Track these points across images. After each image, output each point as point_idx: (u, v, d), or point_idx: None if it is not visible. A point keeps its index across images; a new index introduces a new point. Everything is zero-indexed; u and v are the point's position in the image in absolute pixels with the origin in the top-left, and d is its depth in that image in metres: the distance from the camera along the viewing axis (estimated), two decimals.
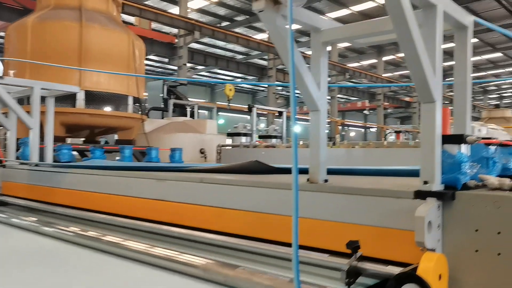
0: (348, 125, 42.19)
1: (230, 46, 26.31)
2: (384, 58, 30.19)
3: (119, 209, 2.66)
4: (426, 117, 1.53)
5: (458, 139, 1.60)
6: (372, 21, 1.77)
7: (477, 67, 33.55)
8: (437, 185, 1.50)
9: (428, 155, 1.52)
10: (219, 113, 32.03)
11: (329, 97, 28.19)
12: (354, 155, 4.86)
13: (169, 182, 2.42)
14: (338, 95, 39.72)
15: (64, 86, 4.06)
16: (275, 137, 6.16)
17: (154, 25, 20.05)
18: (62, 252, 2.26)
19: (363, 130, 45.11)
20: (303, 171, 1.85)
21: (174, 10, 19.80)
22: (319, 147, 1.83)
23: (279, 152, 5.45)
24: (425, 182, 1.50)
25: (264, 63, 26.38)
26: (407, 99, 33.85)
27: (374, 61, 30.60)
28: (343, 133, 32.86)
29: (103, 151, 4.77)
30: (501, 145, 1.99)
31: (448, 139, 1.60)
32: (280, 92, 37.46)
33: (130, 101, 6.64)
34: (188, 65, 20.99)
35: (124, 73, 6.27)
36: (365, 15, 22.65)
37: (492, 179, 1.57)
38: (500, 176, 1.94)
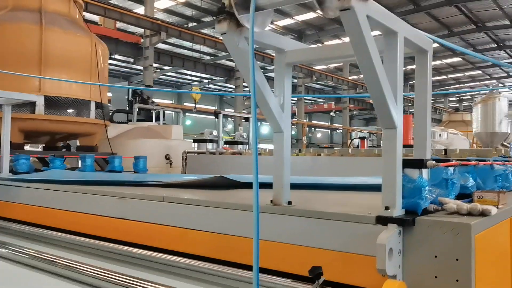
0: (315, 127, 42.67)
1: (197, 46, 26.12)
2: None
3: (79, 226, 2.57)
4: (387, 143, 1.54)
5: (419, 164, 1.62)
6: (337, 45, 1.78)
7: (438, 71, 34.64)
8: (398, 211, 1.52)
9: (389, 180, 1.53)
10: (187, 113, 31.73)
11: (294, 99, 28.50)
12: (319, 163, 4.90)
13: (130, 200, 2.35)
14: (305, 97, 40.23)
15: (22, 94, 3.89)
16: (241, 143, 6.13)
17: (119, 24, 19.66)
18: (15, 276, 2.16)
19: (329, 131, 45.77)
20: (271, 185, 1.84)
21: (140, 10, 19.46)
22: (283, 169, 1.82)
23: (245, 159, 5.44)
24: (387, 208, 1.51)
25: (232, 64, 26.32)
26: (371, 101, 34.54)
27: (340, 63, 31.07)
28: (310, 134, 33.18)
29: (63, 160, 4.60)
30: (461, 164, 2.03)
31: (408, 163, 1.62)
32: (250, 94, 37.47)
33: (93, 106, 6.45)
34: (154, 65, 20.71)
35: (86, 82, 6.07)
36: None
37: (451, 204, 1.61)
38: (460, 194, 2.00)
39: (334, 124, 43.54)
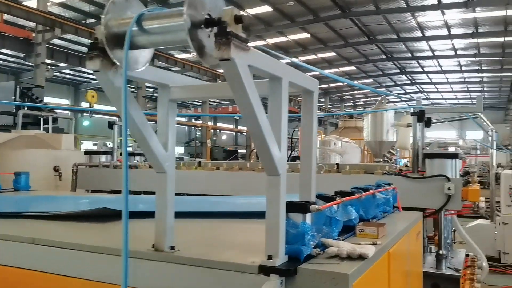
0: (220, 129, 42.84)
1: None
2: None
3: None
4: (271, 190, 1.52)
5: (302, 208, 1.62)
6: (223, 84, 1.71)
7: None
8: (281, 259, 1.50)
9: (272, 228, 1.50)
10: (85, 114, 29.80)
11: (200, 101, 28.32)
12: (218, 178, 4.85)
13: None
14: (210, 100, 40.15)
15: None
16: (139, 154, 5.82)
17: (7, 16, 17.82)
18: None
19: (234, 134, 46.24)
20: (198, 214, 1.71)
21: (33, 2, 17.83)
22: (166, 212, 1.71)
23: (142, 174, 5.19)
24: (269, 257, 1.48)
25: None
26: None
27: None
28: (214, 137, 33.18)
29: None
30: (344, 195, 2.10)
31: (292, 208, 1.61)
32: (151, 95, 36.36)
33: None
34: (49, 62, 19.13)
35: None
36: (260, 18, 22.98)
37: (333, 248, 1.63)
38: (344, 227, 2.05)
39: (239, 127, 44.10)
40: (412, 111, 4.55)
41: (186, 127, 42.51)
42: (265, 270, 1.46)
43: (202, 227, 2.36)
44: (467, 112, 6.64)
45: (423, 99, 43.94)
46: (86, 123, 32.04)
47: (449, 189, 3.72)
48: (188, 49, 28.08)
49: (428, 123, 4.69)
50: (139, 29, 1.39)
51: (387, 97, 24.31)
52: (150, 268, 1.66)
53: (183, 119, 42.48)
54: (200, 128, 27.83)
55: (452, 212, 4.21)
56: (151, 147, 1.62)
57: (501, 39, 24.78)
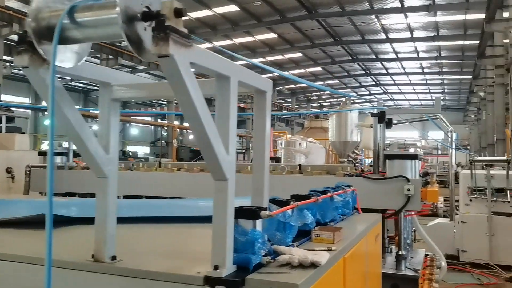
0: (186, 129, 42.39)
1: None
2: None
3: None
4: (218, 196, 1.43)
5: (253, 214, 1.54)
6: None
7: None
8: (228, 269, 1.41)
9: (219, 236, 1.41)
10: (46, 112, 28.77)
11: (165, 100, 27.87)
12: (179, 180, 4.72)
13: None
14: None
15: None
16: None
17: None
18: None
19: None
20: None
21: None
22: (106, 219, 1.58)
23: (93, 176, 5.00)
24: (216, 268, 1.39)
25: (96, 61, 24.65)
26: (241, 105, 35.56)
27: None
28: (180, 137, 32.70)
29: None
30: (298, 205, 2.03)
31: (242, 214, 1.53)
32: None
33: None
34: (7, 59, 18.32)
35: None
36: (226, 17, 22.84)
37: (284, 256, 1.55)
38: (300, 231, 1.98)
39: None
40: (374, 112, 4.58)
41: (152, 126, 41.87)
42: (210, 282, 1.37)
43: (150, 234, 2.24)
44: (426, 114, 6.77)
45: (387, 100, 45.02)
46: (47, 122, 30.90)
47: (408, 190, 3.74)
48: None
49: (389, 124, 4.73)
50: (71, 21, 1.27)
51: (352, 98, 24.65)
52: (89, 281, 1.53)
53: (149, 118, 41.82)
54: (166, 128, 27.37)
55: (412, 212, 4.25)
56: (89, 149, 1.50)
57: (460, 42, 25.64)
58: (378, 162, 4.32)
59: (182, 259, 1.66)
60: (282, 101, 44.16)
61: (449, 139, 8.64)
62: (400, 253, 3.99)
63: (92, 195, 4.59)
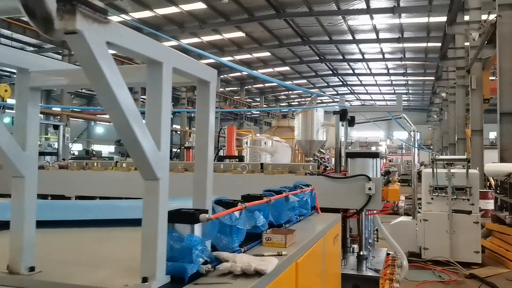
0: None
1: (18, 36, 22.95)
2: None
3: None
4: (148, 198, 1.26)
5: (190, 218, 1.37)
6: None
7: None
8: (159, 280, 1.24)
9: (149, 244, 1.24)
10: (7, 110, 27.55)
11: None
12: (134, 179, 4.48)
13: None
14: (141, 97, 38.80)
15: None
16: (49, 154, 5.24)
17: None
18: None
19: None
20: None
21: None
22: (23, 224, 1.38)
23: (49, 176, 4.70)
24: (145, 279, 1.22)
25: (58, 57, 23.83)
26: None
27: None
28: None
29: None
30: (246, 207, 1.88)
31: (177, 217, 1.37)
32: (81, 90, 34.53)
33: None
34: None
35: None
36: (194, 15, 22.46)
37: (225, 264, 1.40)
38: (251, 235, 1.83)
39: (173, 126, 43.15)
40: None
41: None
42: None
43: (76, 240, 2.02)
44: (389, 112, 6.78)
45: (354, 100, 45.69)
46: (7, 120, 29.67)
47: (369, 189, 3.67)
48: None
49: (351, 122, 4.65)
50: None
51: (319, 97, 24.81)
52: None
53: None
54: None
55: (375, 212, 4.19)
56: (0, 145, 1.30)
57: (424, 44, 26.25)
58: (340, 161, 4.24)
59: (109, 269, 1.48)
60: (250, 100, 44.12)
61: (412, 138, 8.73)
62: (361, 253, 3.91)
63: (40, 197, 4.30)
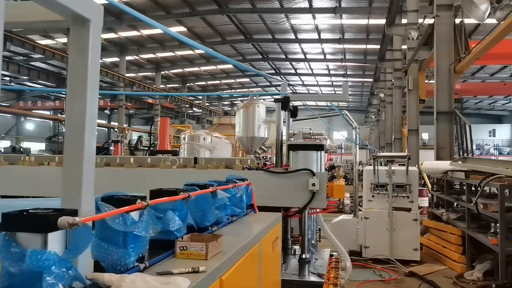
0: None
1: None
2: (127, 58, 29.34)
3: None
4: None
5: (40, 223, 0.86)
6: None
7: (213, 75, 36.51)
8: None
9: None
10: None
11: (63, 93, 25.56)
12: (44, 175, 3.83)
13: None
14: None
15: None
16: None
17: None
18: None
19: (106, 130, 43.11)
20: None
21: None
22: None
23: None
24: None
25: None
26: (150, 100, 34.01)
27: (116, 59, 29.37)
28: None
29: None
30: (148, 205, 1.41)
31: (19, 223, 0.85)
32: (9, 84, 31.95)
33: None
34: None
35: None
36: (133, 6, 21.22)
37: None
38: (161, 242, 1.35)
39: (112, 123, 41.22)
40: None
41: (51, 121, 38.52)
42: None
43: None
44: (333, 103, 6.52)
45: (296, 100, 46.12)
46: None
47: (313, 184, 3.29)
48: (50, 34, 25.17)
49: (294, 113, 4.28)
50: None
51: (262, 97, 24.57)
52: None
53: (47, 112, 38.31)
54: (63, 122, 25.01)
55: (318, 210, 3.83)
56: None
57: (363, 46, 26.84)
58: (281, 154, 3.84)
59: None
60: (193, 98, 43.18)
61: (354, 134, 8.59)
62: (303, 256, 3.52)
63: None
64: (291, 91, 43.22)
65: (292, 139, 3.94)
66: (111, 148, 21.86)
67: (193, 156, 9.66)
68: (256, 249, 1.81)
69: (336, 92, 43.61)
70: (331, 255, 4.49)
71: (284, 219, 4.08)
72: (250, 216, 2.38)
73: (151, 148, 7.09)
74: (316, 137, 4.00)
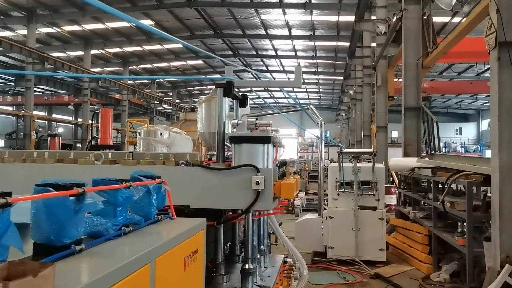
0: (56, 121, 38.01)
1: None
2: (92, 52, 28.23)
3: None
4: None
5: None
6: None
7: (183, 71, 35.67)
8: None
9: None
10: None
11: (23, 88, 24.34)
12: (12, 171, 3.23)
13: None
14: (45, 87, 35.17)
15: None
16: None
17: None
18: None
19: (73, 126, 41.60)
20: None
21: None
22: None
23: None
24: None
25: None
26: (117, 96, 32.92)
27: (81, 53, 28.20)
28: (40, 129, 28.93)
29: None
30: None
31: None
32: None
33: None
34: None
35: None
36: (67, 1, 20.34)
37: None
38: None
39: (79, 119, 39.76)
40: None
41: (14, 117, 36.91)
42: None
43: None
44: (286, 87, 6.07)
45: (268, 97, 45.77)
46: None
47: (257, 183, 2.81)
48: (8, 26, 23.91)
49: (243, 102, 3.80)
50: None
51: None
52: None
53: (9, 108, 36.59)
54: (22, 118, 23.77)
55: (265, 213, 3.36)
56: None
57: (334, 43, 26.64)
58: (223, 148, 3.36)
59: None
60: (163, 94, 42.14)
61: (320, 130, 8.19)
62: (246, 267, 3.04)
63: None
64: (262, 88, 42.84)
65: (235, 130, 3.46)
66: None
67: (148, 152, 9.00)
68: (143, 273, 1.31)
69: (308, 90, 43.44)
70: (285, 262, 4.03)
71: (231, 223, 3.60)
72: (162, 224, 1.88)
73: (91, 143, 6.48)
74: (264, 128, 3.52)
